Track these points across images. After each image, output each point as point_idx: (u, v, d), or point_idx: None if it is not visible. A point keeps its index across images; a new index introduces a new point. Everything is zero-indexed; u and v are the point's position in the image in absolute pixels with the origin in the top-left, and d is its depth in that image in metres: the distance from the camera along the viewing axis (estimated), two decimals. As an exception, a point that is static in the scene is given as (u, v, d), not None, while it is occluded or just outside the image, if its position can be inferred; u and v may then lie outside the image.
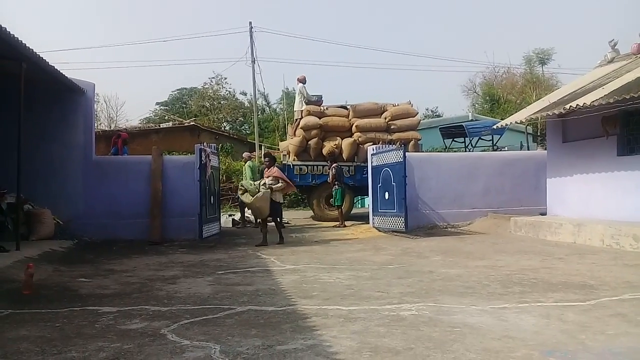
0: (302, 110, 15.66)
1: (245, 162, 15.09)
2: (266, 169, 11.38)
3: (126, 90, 64.62)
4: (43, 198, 10.82)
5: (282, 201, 11.57)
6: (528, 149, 17.85)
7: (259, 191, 10.70)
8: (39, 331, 4.58)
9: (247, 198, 10.84)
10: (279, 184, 10.94)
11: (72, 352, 3.98)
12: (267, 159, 11.73)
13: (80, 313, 5.23)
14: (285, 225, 14.46)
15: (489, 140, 18.05)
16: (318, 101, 15.98)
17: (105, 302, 5.72)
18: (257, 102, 33.46)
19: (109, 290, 6.42)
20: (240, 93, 43.84)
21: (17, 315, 5.18)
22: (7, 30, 7.70)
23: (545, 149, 13.44)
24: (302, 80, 16.13)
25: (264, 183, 10.86)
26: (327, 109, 15.70)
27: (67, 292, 6.34)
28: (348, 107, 15.97)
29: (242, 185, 11.17)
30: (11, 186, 9.27)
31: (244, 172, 15.05)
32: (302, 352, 3.88)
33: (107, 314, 5.17)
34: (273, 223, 11.32)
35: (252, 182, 11.33)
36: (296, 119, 16.06)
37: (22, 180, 9.04)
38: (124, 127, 28.47)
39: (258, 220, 14.67)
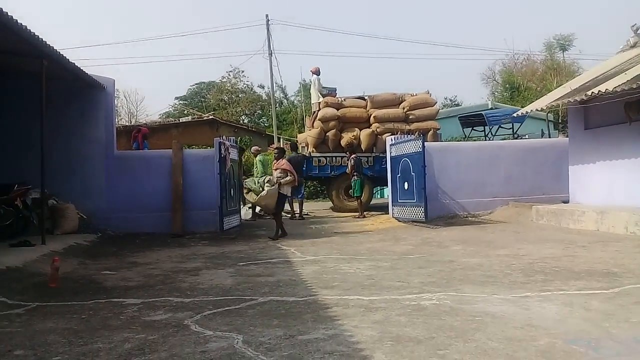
0: (319, 103, 15.66)
1: (256, 157, 15.06)
2: (275, 161, 11.29)
3: (145, 85, 65.15)
4: (66, 193, 10.99)
5: (289, 194, 11.39)
6: (549, 137, 17.63)
7: (262, 189, 10.57)
8: (66, 323, 4.67)
9: (251, 197, 10.77)
10: (288, 178, 10.73)
11: (98, 343, 4.06)
12: (276, 150, 11.71)
13: (105, 305, 5.32)
14: (305, 216, 14.54)
15: (509, 129, 17.86)
16: (331, 93, 15.98)
17: (129, 294, 5.80)
18: (275, 95, 33.51)
19: (133, 283, 6.51)
20: (257, 86, 44.02)
21: (44, 308, 5.29)
22: (28, 28, 7.82)
23: (567, 137, 13.25)
24: (316, 72, 16.22)
25: (268, 180, 10.72)
26: (344, 100, 15.67)
27: (92, 285, 6.46)
28: (366, 97, 15.92)
29: (245, 184, 11.02)
30: (35, 182, 9.43)
31: (255, 167, 15.03)
32: (324, 341, 3.90)
33: (132, 306, 5.25)
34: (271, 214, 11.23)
35: (256, 181, 11.16)
36: (314, 111, 16.09)
37: (46, 176, 9.19)
38: (144, 122, 28.75)
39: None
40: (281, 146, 13.85)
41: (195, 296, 5.60)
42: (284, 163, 11.00)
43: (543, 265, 6.66)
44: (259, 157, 14.76)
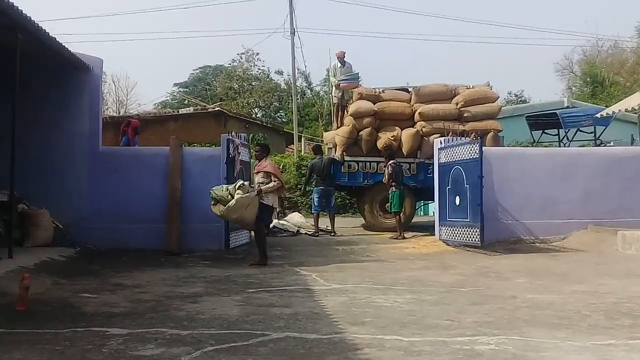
0: (336, 96, 16.21)
1: None
2: (256, 162, 10.96)
3: (138, 68, 66.23)
4: (40, 196, 11.15)
5: (276, 205, 10.81)
6: (641, 145, 17.39)
7: (231, 197, 9.77)
8: (37, 355, 4.74)
9: (218, 210, 9.90)
10: (271, 184, 10.31)
11: (75, 381, 4.11)
12: (257, 148, 11.55)
13: (84, 335, 5.39)
14: (328, 232, 14.57)
15: (590, 133, 17.67)
16: (352, 83, 16.04)
17: (113, 323, 5.86)
18: (297, 83, 33.67)
19: (118, 309, 6.59)
20: (275, 72, 44.41)
21: (11, 336, 5.37)
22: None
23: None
24: (341, 56, 16.44)
25: (240, 185, 9.98)
26: (383, 91, 15.68)
27: (68, 310, 6.55)
28: (410, 90, 15.88)
29: (211, 193, 10.10)
30: (3, 182, 9.62)
31: None
32: (353, 391, 3.89)
33: (116, 337, 5.30)
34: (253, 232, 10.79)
35: (226, 187, 10.15)
36: (334, 104, 16.29)
37: (17, 175, 9.34)
38: (136, 112, 29.21)
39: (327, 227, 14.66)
40: (265, 144, 13.51)
41: (193, 328, 5.64)
42: (267, 164, 10.60)
43: (631, 307, 6.55)
44: None
